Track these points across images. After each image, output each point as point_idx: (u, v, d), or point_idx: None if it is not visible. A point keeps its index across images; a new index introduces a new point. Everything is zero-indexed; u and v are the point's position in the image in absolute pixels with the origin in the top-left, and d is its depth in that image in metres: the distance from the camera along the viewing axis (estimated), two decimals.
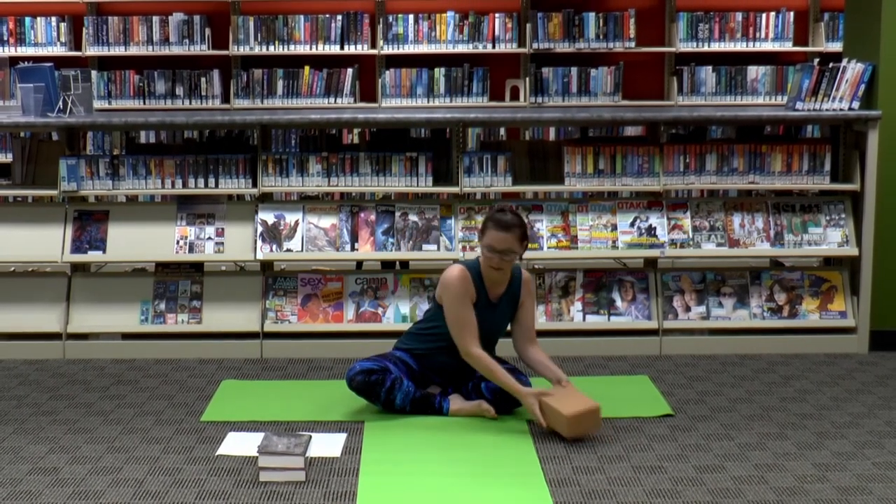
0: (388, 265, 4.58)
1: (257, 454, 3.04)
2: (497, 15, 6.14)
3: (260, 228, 4.32)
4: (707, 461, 3.13)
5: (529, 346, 3.58)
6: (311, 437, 3.17)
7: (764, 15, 6.17)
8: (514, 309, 3.59)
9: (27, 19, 6.21)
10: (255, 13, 6.24)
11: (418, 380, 3.55)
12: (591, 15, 6.12)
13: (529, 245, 3.56)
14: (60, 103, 4.31)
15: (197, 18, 6.19)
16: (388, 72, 6.22)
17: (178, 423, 3.50)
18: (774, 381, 3.93)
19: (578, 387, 3.89)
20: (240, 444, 3.27)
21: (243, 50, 6.19)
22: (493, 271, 3.47)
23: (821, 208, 4.35)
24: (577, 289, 4.33)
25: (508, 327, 3.65)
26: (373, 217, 4.33)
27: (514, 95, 6.27)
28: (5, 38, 6.20)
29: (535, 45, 6.13)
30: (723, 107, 5.99)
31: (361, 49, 6.19)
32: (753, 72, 6.18)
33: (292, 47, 6.18)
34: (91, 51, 6.18)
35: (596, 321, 4.31)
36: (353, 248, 4.32)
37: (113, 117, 4.58)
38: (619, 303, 4.33)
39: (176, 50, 6.18)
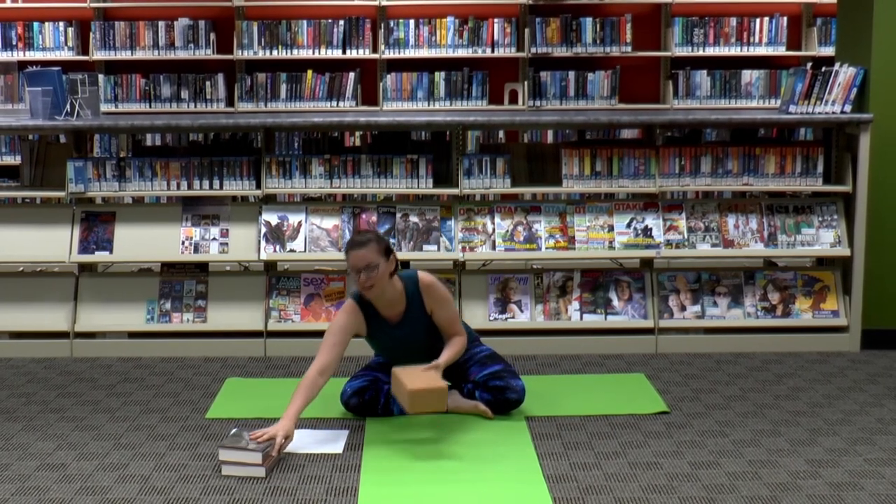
0: None
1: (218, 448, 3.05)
2: (496, 20, 6.18)
3: (263, 229, 4.35)
4: (702, 457, 3.16)
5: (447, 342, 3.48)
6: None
7: (758, 20, 6.21)
8: (427, 317, 3.47)
9: (35, 24, 6.24)
10: (258, 18, 6.27)
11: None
12: (589, 20, 6.16)
13: (396, 259, 3.39)
14: (68, 106, 4.33)
15: (202, 23, 6.22)
16: (389, 76, 6.26)
17: (184, 420, 3.53)
18: (768, 378, 3.95)
19: (576, 384, 3.95)
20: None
21: (247, 54, 6.22)
22: (371, 293, 3.35)
23: (813, 209, 4.36)
24: (574, 288, 4.36)
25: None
26: (374, 218, 4.37)
27: (513, 99, 6.30)
28: (14, 43, 6.24)
29: (533, 50, 6.17)
30: (717, 110, 6.00)
31: (363, 53, 6.23)
32: (748, 76, 6.21)
33: (295, 52, 6.22)
34: (98, 55, 6.22)
35: (593, 320, 4.33)
36: None
37: (119, 120, 4.58)
38: (615, 302, 4.35)
39: (181, 54, 6.21)
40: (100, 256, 4.37)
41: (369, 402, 3.50)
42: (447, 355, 3.42)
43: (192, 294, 4.38)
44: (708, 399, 3.72)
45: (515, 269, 4.56)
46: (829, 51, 6.11)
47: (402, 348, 3.49)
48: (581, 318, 4.34)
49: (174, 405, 3.69)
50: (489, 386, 3.51)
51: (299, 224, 4.36)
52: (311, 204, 4.42)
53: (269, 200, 4.45)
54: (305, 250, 4.34)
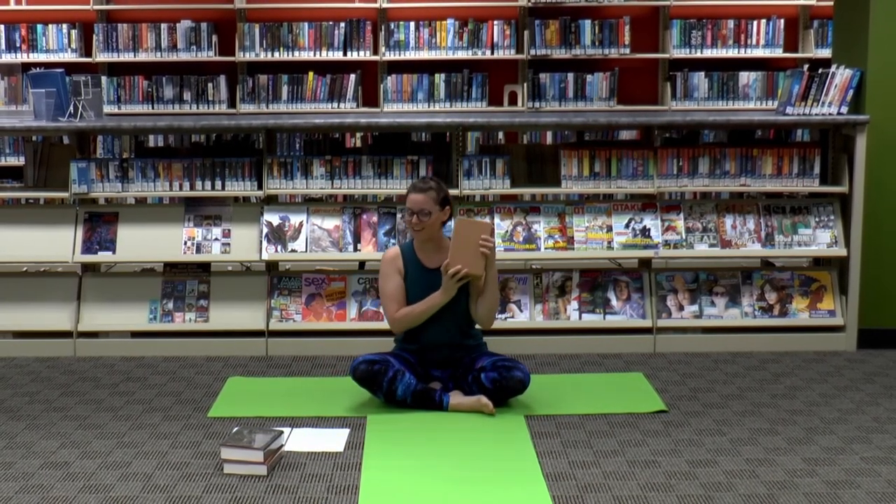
0: None
1: (220, 447, 3.06)
2: (496, 22, 6.20)
3: (265, 229, 4.36)
4: (700, 456, 3.16)
5: (479, 297, 3.59)
6: (282, 432, 3.18)
7: (755, 22, 6.23)
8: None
9: (39, 26, 6.27)
10: (260, 20, 6.30)
11: (419, 375, 3.61)
12: (587, 22, 6.18)
13: (451, 211, 3.62)
14: (71, 108, 4.35)
15: (204, 26, 6.25)
16: (389, 77, 6.28)
17: (186, 418, 3.54)
18: (765, 378, 3.96)
19: (575, 383, 3.93)
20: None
21: (249, 56, 6.25)
22: (419, 235, 3.59)
23: (810, 210, 4.38)
24: (573, 288, 4.38)
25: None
26: (375, 218, 4.39)
27: (513, 100, 6.33)
28: (18, 45, 6.26)
29: (532, 52, 6.20)
30: (715, 111, 6.02)
31: (364, 55, 6.26)
32: (745, 77, 6.23)
33: (297, 54, 6.24)
34: (101, 57, 6.24)
35: (592, 320, 4.35)
36: (355, 249, 4.37)
37: (122, 122, 4.58)
38: (614, 302, 4.37)
39: (184, 56, 6.23)
40: (103, 256, 4.38)
41: (376, 374, 3.53)
42: (487, 296, 3.54)
43: (195, 294, 4.40)
44: (706, 398, 3.73)
45: (515, 269, 4.57)
46: (825, 53, 6.14)
47: (429, 294, 3.59)
48: (580, 317, 4.36)
49: (176, 404, 3.70)
50: (497, 365, 3.55)
51: (300, 224, 4.38)
52: (313, 204, 4.43)
53: (271, 201, 4.47)
54: (307, 250, 4.35)
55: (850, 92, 4.26)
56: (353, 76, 6.25)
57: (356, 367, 3.57)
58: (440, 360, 3.66)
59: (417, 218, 3.56)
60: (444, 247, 3.63)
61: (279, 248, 4.36)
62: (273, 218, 4.38)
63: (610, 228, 4.36)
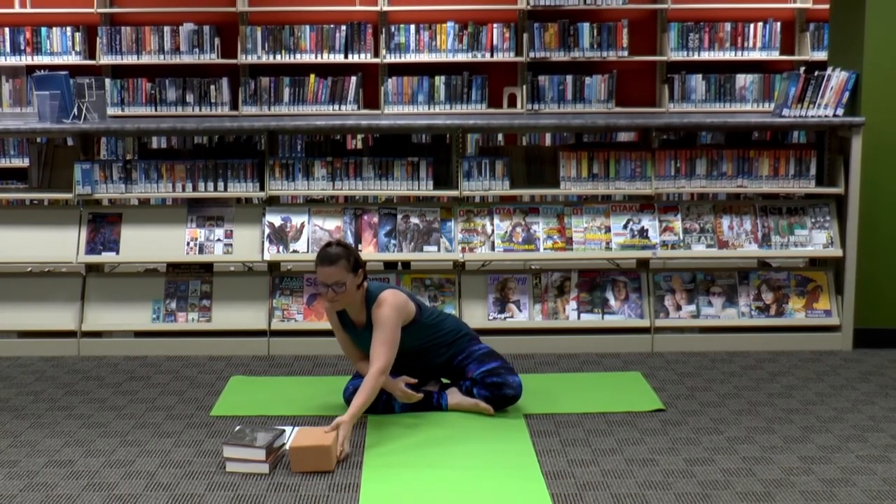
0: (390, 266, 4.61)
1: (222, 445, 3.08)
2: (495, 25, 6.22)
3: (267, 230, 4.38)
4: (697, 454, 3.18)
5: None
6: (284, 430, 3.19)
7: (752, 25, 6.25)
8: None
9: (43, 29, 6.29)
10: (262, 23, 6.32)
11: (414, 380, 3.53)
12: (586, 25, 6.20)
13: (364, 271, 3.42)
14: (75, 110, 4.38)
15: (206, 28, 6.27)
16: (390, 80, 6.31)
17: (189, 417, 3.55)
18: (762, 377, 3.97)
19: (573, 383, 3.92)
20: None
21: (251, 59, 6.27)
22: (334, 307, 3.44)
23: (806, 211, 4.39)
24: (572, 288, 4.40)
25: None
26: (375, 219, 4.40)
27: (512, 102, 6.34)
28: (22, 48, 6.27)
29: (531, 54, 6.21)
30: (712, 113, 6.06)
31: (365, 58, 6.28)
32: (742, 80, 6.25)
33: (298, 56, 6.26)
34: (105, 59, 6.26)
35: (590, 319, 4.36)
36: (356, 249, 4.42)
37: (126, 123, 4.58)
38: (612, 302, 4.39)
39: (186, 59, 6.26)
40: (106, 257, 4.40)
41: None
42: (353, 407, 3.24)
43: (197, 294, 4.42)
44: (703, 397, 3.75)
45: (514, 270, 4.59)
46: (821, 55, 6.16)
47: (366, 350, 3.50)
48: (578, 317, 4.37)
49: (179, 403, 3.72)
50: (486, 383, 3.53)
51: (302, 225, 4.40)
52: (314, 205, 4.45)
53: (273, 202, 4.49)
54: (308, 251, 4.36)
55: (846, 94, 4.28)
56: (354, 78, 6.28)
57: (349, 399, 3.52)
58: (427, 373, 3.62)
59: (332, 291, 3.35)
60: (362, 310, 3.46)
61: (281, 248, 4.39)
62: (275, 219, 4.41)
63: (608, 229, 4.38)
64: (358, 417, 3.28)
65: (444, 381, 3.71)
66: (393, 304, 3.40)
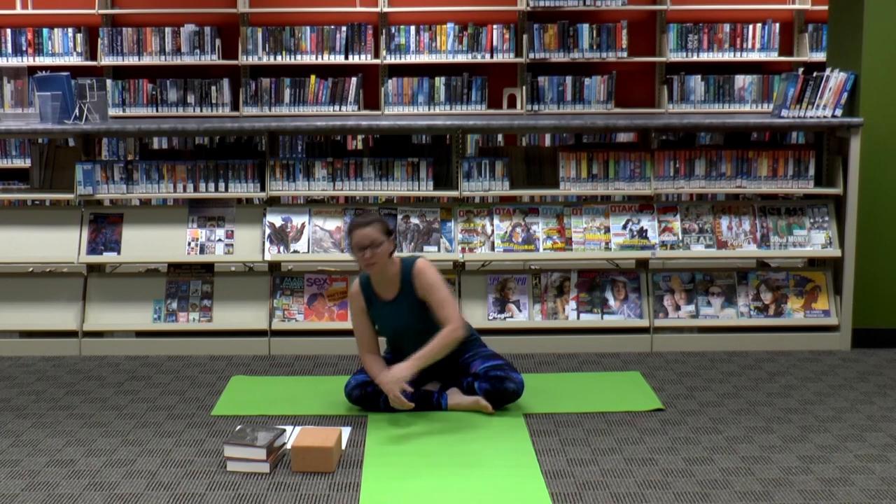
0: None
1: (223, 444, 3.09)
2: (495, 26, 6.23)
3: (268, 230, 4.40)
4: (696, 453, 3.19)
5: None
6: (285, 430, 3.20)
7: (751, 26, 6.27)
8: (419, 302, 3.54)
9: (45, 30, 6.31)
10: (263, 24, 6.34)
11: (413, 380, 3.53)
12: (585, 26, 6.21)
13: (395, 241, 3.53)
14: (77, 111, 4.39)
15: (207, 29, 6.29)
16: (390, 81, 6.32)
17: (190, 417, 3.57)
18: (761, 376, 3.99)
19: (573, 382, 3.93)
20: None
21: (252, 60, 6.29)
22: (373, 269, 3.49)
23: (805, 211, 4.41)
24: (571, 288, 4.41)
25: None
26: None
27: (512, 103, 6.36)
28: (24, 49, 6.30)
29: (531, 55, 6.23)
30: (711, 114, 6.07)
31: (365, 59, 6.29)
32: (740, 80, 6.26)
33: (299, 57, 6.28)
34: (106, 60, 6.28)
35: (590, 319, 4.38)
36: None
37: (127, 124, 4.59)
38: (611, 302, 4.40)
39: (187, 60, 6.27)
40: (108, 257, 4.41)
41: (371, 395, 3.56)
42: (427, 348, 3.42)
43: (198, 294, 4.43)
44: (702, 396, 3.76)
45: (514, 270, 4.60)
46: (820, 56, 6.16)
47: (398, 328, 3.59)
48: (578, 317, 4.39)
49: (180, 402, 3.73)
50: (489, 376, 3.55)
51: (303, 225, 4.42)
52: (315, 206, 4.47)
53: (273, 202, 4.50)
54: (309, 251, 4.39)
55: (845, 95, 4.30)
56: (354, 79, 6.29)
57: (350, 393, 3.58)
58: (432, 372, 3.62)
59: (370, 252, 3.44)
60: (394, 280, 3.55)
61: (281, 248, 4.40)
62: (275, 219, 4.42)
63: (607, 229, 4.40)
64: (420, 367, 3.42)
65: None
66: (433, 268, 3.55)
